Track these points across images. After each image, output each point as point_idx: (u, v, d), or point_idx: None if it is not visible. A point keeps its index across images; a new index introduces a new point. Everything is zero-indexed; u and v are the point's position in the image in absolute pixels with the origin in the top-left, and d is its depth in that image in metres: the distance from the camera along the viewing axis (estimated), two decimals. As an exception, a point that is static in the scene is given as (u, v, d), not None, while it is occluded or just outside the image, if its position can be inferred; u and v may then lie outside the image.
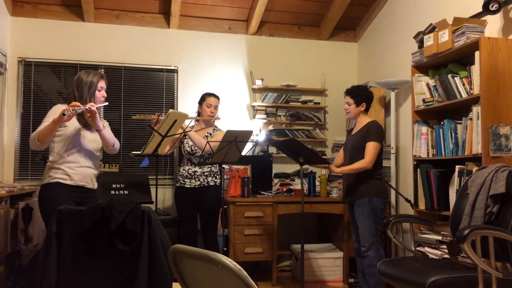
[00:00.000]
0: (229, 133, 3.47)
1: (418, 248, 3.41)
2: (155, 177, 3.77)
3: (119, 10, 4.91)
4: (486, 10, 3.19)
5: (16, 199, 3.80)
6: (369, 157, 3.38)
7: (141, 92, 4.97)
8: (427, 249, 3.37)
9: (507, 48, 3.09)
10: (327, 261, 4.49)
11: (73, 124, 2.82)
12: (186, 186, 3.78)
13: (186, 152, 3.83)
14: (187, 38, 5.10)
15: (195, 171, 3.78)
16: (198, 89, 4.87)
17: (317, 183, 4.63)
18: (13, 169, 4.59)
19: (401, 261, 2.80)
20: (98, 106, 2.85)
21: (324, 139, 5.29)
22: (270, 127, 5.12)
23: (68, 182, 2.78)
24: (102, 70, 4.88)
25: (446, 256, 3.17)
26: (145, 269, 1.85)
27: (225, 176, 4.59)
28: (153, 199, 3.84)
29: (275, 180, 4.82)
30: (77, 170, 2.82)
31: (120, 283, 1.92)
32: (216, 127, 3.97)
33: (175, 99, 5.06)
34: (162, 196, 4.78)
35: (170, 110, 3.40)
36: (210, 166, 3.79)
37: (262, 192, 4.56)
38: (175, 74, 5.07)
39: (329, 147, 5.32)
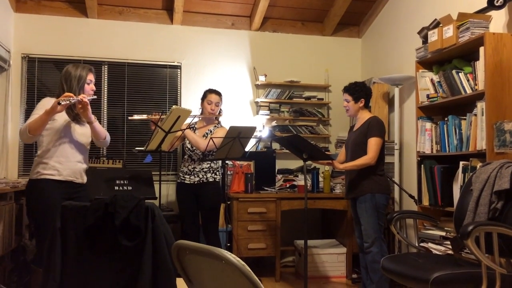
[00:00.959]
0: (232, 129, 3.47)
1: (421, 244, 3.41)
2: (158, 173, 3.78)
3: (122, 6, 4.90)
4: (491, 5, 3.17)
5: (20, 194, 3.81)
6: (371, 153, 3.38)
7: (144, 88, 4.97)
8: (430, 245, 3.37)
9: (512, 43, 3.07)
10: (330, 257, 4.49)
11: (62, 117, 2.78)
12: (186, 182, 3.83)
13: (187, 148, 3.86)
14: (191, 34, 5.09)
15: (194, 167, 3.81)
16: (202, 85, 4.87)
17: (320, 179, 4.63)
18: (17, 165, 4.61)
19: (405, 257, 2.80)
20: (88, 98, 2.81)
21: (327, 135, 5.28)
22: (274, 123, 5.11)
23: (57, 177, 2.75)
24: (106, 66, 4.89)
25: (450, 252, 3.16)
26: (149, 264, 1.86)
27: (229, 172, 4.60)
28: (157, 195, 3.85)
29: (279, 176, 4.82)
30: (66, 165, 2.79)
31: (124, 279, 1.93)
32: (218, 123, 3.97)
33: (178, 95, 5.06)
34: (166, 192, 4.79)
35: (174, 106, 3.40)
36: (209, 162, 3.81)
37: (266, 188, 4.57)
38: (179, 70, 5.07)
39: (332, 143, 5.31)
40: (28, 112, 4.66)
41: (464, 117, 3.29)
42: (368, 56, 5.39)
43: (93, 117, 2.83)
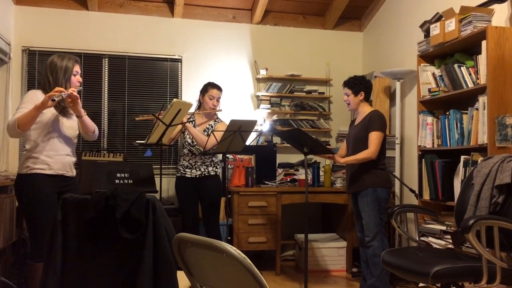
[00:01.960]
0: (233, 123, 3.46)
1: (422, 238, 3.41)
2: (159, 166, 3.77)
3: (123, -1, 4.89)
4: (493, -2, 3.16)
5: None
6: (373, 147, 3.37)
7: (145, 82, 4.96)
8: (431, 239, 3.37)
9: (515, 37, 3.06)
10: (331, 251, 4.50)
11: (50, 110, 2.74)
12: (187, 176, 3.82)
13: (187, 143, 3.85)
14: (191, 27, 5.07)
15: (196, 161, 3.80)
16: (202, 78, 4.85)
17: (321, 173, 4.63)
18: (18, 158, 4.61)
19: (405, 251, 2.80)
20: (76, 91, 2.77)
21: (328, 129, 5.27)
22: (274, 117, 5.10)
23: (48, 171, 2.73)
24: (106, 59, 4.87)
25: (450, 246, 3.17)
26: (150, 257, 1.86)
27: (229, 166, 4.59)
28: (157, 188, 3.85)
29: (279, 170, 4.82)
30: (56, 159, 2.77)
31: (125, 272, 1.93)
32: (217, 118, 3.97)
33: (179, 89, 5.05)
34: (166, 185, 4.79)
35: (174, 99, 3.39)
36: (211, 156, 3.81)
37: (266, 182, 4.56)
38: (179, 63, 5.06)
39: (333, 137, 5.30)
40: (28, 105, 4.65)
41: (466, 111, 3.28)
42: (370, 50, 5.37)
43: (82, 111, 2.80)
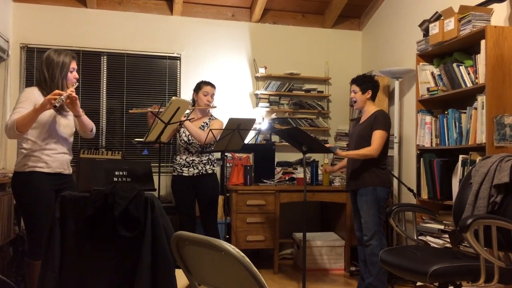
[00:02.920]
0: (232, 121, 3.45)
1: (420, 237, 3.42)
2: (157, 164, 3.77)
3: (121, -4, 4.88)
4: (493, -2, 3.16)
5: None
6: (375, 145, 3.37)
7: (143, 79, 4.96)
8: (429, 238, 3.38)
9: (514, 37, 3.06)
10: (329, 250, 4.51)
11: (48, 110, 2.70)
12: (184, 174, 3.79)
13: (183, 141, 3.82)
14: (190, 25, 5.07)
15: (193, 160, 3.79)
16: (201, 76, 4.84)
17: (319, 171, 4.63)
18: (16, 156, 4.59)
19: (403, 250, 2.80)
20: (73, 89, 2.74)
21: (327, 128, 5.27)
22: (273, 116, 5.10)
23: (46, 170, 2.72)
24: (105, 57, 4.86)
25: (448, 245, 3.17)
26: (148, 255, 1.86)
27: (228, 164, 4.59)
28: (156, 186, 3.85)
29: (278, 169, 4.82)
30: (54, 157, 2.76)
31: (123, 269, 1.93)
32: (211, 116, 3.96)
33: (177, 87, 5.04)
34: (165, 183, 4.79)
35: (173, 97, 3.38)
36: (208, 154, 3.80)
37: (265, 181, 4.56)
38: (178, 61, 5.05)
39: (332, 136, 5.30)
40: (26, 103, 4.64)
41: (464, 111, 3.29)
42: (369, 48, 5.37)
43: (80, 111, 2.78)
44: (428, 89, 3.67)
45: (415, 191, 3.81)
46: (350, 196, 3.67)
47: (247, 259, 1.18)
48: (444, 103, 3.68)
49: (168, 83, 5.02)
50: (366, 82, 3.53)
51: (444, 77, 3.50)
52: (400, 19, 4.69)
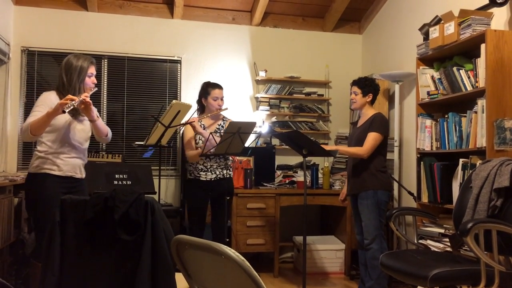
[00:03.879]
0: (232, 125, 3.45)
1: (420, 241, 3.41)
2: (158, 167, 3.77)
3: (122, 0, 4.89)
4: (492, 2, 3.16)
5: (19, 188, 3.80)
6: (366, 146, 3.38)
7: (144, 83, 4.96)
8: (429, 242, 3.37)
9: (514, 41, 3.06)
10: (329, 253, 4.50)
11: (63, 115, 2.71)
12: (201, 179, 3.63)
13: (200, 147, 3.65)
14: (191, 29, 5.08)
15: (211, 164, 3.65)
16: (202, 80, 4.81)
17: (320, 175, 4.63)
18: (16, 158, 4.60)
19: (404, 253, 2.80)
20: (89, 94, 2.76)
21: (327, 131, 5.27)
22: (273, 119, 5.10)
23: (57, 172, 2.74)
24: (106, 60, 4.87)
25: (449, 249, 3.17)
26: (148, 259, 1.86)
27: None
28: (156, 189, 3.84)
29: (278, 172, 4.82)
30: (67, 161, 2.78)
31: (123, 273, 1.93)
32: (224, 117, 3.87)
33: (178, 90, 5.05)
34: (165, 186, 4.79)
35: (174, 101, 3.39)
36: (225, 158, 3.70)
37: (265, 184, 4.56)
38: (179, 64, 5.06)
39: (332, 139, 5.30)
40: (27, 106, 4.65)
41: (465, 115, 3.29)
42: (369, 52, 5.38)
43: (95, 116, 2.80)
44: (428, 93, 3.67)
45: (415, 194, 3.81)
46: (351, 200, 3.66)
47: (247, 263, 1.18)
48: (444, 107, 3.68)
49: (168, 87, 5.02)
50: (368, 86, 3.53)
51: (444, 81, 3.51)
52: (400, 22, 4.70)
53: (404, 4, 4.64)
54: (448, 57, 3.61)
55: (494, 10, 3.31)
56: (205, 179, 3.64)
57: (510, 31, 3.15)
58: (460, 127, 3.32)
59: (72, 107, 2.58)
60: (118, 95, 4.88)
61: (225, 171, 3.69)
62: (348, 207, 4.32)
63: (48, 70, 4.75)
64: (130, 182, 4.06)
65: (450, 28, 3.38)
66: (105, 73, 4.88)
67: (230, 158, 3.82)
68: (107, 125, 3.06)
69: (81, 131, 2.86)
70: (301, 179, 4.48)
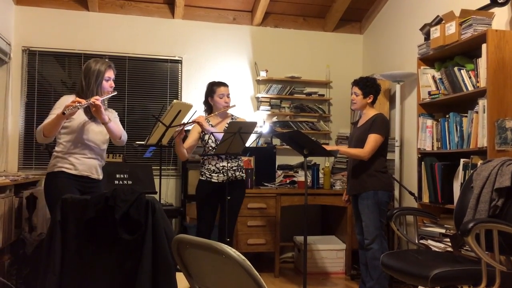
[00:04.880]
0: (233, 125, 3.45)
1: (421, 241, 3.41)
2: (158, 167, 3.77)
3: (123, 0, 4.89)
4: (493, 2, 3.16)
5: (20, 188, 3.81)
6: (367, 148, 3.38)
7: (145, 83, 4.96)
8: (430, 242, 3.37)
9: (515, 40, 3.06)
10: (330, 253, 4.50)
11: (80, 116, 2.82)
12: (213, 180, 3.58)
13: (211, 148, 3.63)
14: (192, 29, 5.08)
15: (223, 166, 3.59)
16: (203, 79, 4.85)
17: (320, 175, 4.63)
18: (17, 158, 4.60)
19: (405, 253, 2.80)
20: (104, 98, 2.84)
21: (328, 131, 5.27)
22: (274, 119, 5.10)
23: (73, 171, 2.80)
24: (106, 59, 4.86)
25: (450, 249, 3.17)
26: (149, 258, 1.86)
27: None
28: (157, 189, 3.84)
29: (279, 172, 4.82)
30: (83, 161, 2.84)
31: (123, 273, 1.93)
32: (232, 116, 3.83)
33: (179, 90, 5.05)
34: (166, 186, 4.79)
35: (174, 100, 3.39)
36: (237, 160, 3.65)
37: (266, 184, 4.56)
38: (180, 64, 5.06)
39: (333, 139, 5.30)
40: (28, 106, 4.66)
41: (466, 115, 3.28)
42: (370, 52, 5.38)
43: (106, 118, 2.82)
44: (429, 93, 3.67)
45: (416, 194, 3.81)
46: (352, 200, 3.66)
47: (248, 262, 1.18)
48: (445, 107, 3.68)
49: (169, 86, 5.03)
50: (369, 87, 3.51)
51: (445, 81, 3.50)
52: (401, 22, 4.69)
53: (405, 4, 4.63)
54: (449, 57, 3.61)
55: (495, 10, 3.31)
56: (216, 180, 3.58)
57: (511, 31, 3.15)
58: (461, 127, 3.32)
59: (71, 111, 2.63)
60: (119, 94, 4.86)
61: (237, 173, 3.62)
62: (349, 207, 4.31)
63: (49, 70, 4.76)
64: (131, 182, 4.06)
65: (451, 28, 3.37)
66: (106, 73, 4.87)
67: (242, 158, 3.76)
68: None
69: (98, 133, 2.90)
70: (302, 179, 4.48)
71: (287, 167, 4.92)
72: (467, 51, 3.45)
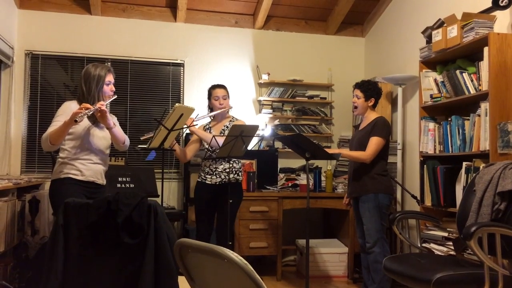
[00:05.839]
0: (235, 128, 3.45)
1: (423, 245, 3.40)
2: (160, 170, 3.77)
3: (125, 4, 4.90)
4: (495, 5, 3.16)
5: (23, 191, 3.81)
6: (369, 151, 3.37)
7: (147, 86, 4.98)
8: (432, 245, 3.36)
9: (517, 44, 3.06)
10: (332, 257, 4.49)
11: (84, 122, 2.81)
12: (206, 182, 3.62)
13: (206, 150, 3.65)
14: (194, 32, 5.09)
15: (216, 168, 3.61)
16: (204, 83, 4.86)
17: (322, 178, 4.63)
18: (20, 161, 4.62)
19: (407, 257, 2.79)
20: (107, 102, 2.85)
21: (330, 134, 5.27)
22: (276, 122, 5.11)
23: (80, 177, 2.79)
24: (109, 63, 4.88)
25: (452, 252, 3.16)
26: (151, 262, 1.86)
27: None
28: (159, 192, 3.84)
29: (281, 175, 4.82)
30: (89, 166, 2.83)
31: (126, 276, 1.93)
32: (232, 118, 3.85)
33: (181, 93, 5.06)
34: (168, 189, 4.79)
35: (176, 104, 3.39)
36: (231, 162, 3.65)
37: (268, 187, 4.56)
38: (182, 68, 5.07)
39: (335, 142, 5.30)
40: (31, 109, 4.67)
41: (468, 118, 3.28)
42: (372, 55, 5.38)
43: (111, 123, 2.84)
44: (431, 96, 3.67)
45: (418, 198, 3.80)
46: (352, 203, 3.66)
47: (250, 266, 1.18)
48: (448, 110, 3.68)
49: (171, 90, 5.04)
50: (370, 90, 3.51)
51: (447, 84, 3.50)
52: (403, 26, 4.70)
53: (407, 7, 4.64)
54: (451, 60, 3.61)
55: (497, 13, 3.31)
56: (210, 182, 3.63)
57: (513, 34, 3.15)
58: (463, 130, 3.32)
59: (82, 119, 2.62)
60: (121, 98, 4.89)
61: (231, 176, 3.62)
62: (351, 210, 4.31)
63: (51, 74, 4.77)
64: (133, 185, 4.07)
65: (453, 31, 3.38)
66: (109, 77, 4.88)
67: (239, 162, 3.77)
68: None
69: (102, 138, 2.90)
70: (304, 182, 4.48)
71: (289, 170, 4.92)
72: (469, 54, 3.45)
